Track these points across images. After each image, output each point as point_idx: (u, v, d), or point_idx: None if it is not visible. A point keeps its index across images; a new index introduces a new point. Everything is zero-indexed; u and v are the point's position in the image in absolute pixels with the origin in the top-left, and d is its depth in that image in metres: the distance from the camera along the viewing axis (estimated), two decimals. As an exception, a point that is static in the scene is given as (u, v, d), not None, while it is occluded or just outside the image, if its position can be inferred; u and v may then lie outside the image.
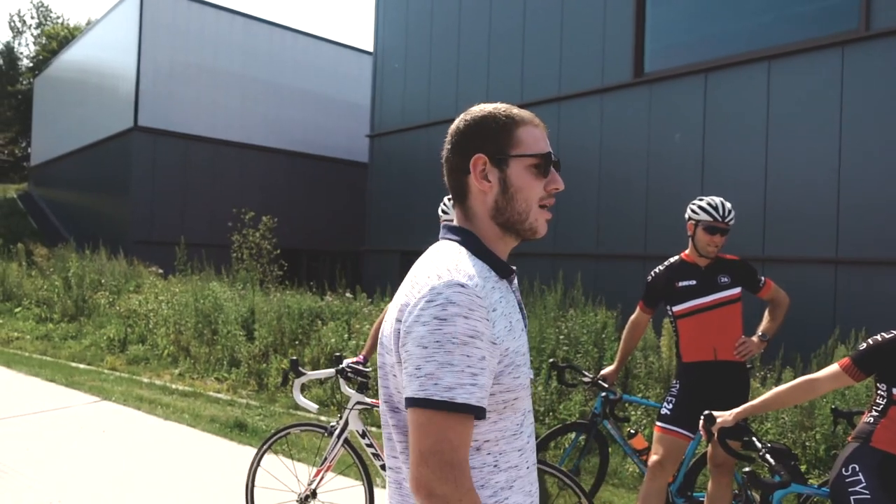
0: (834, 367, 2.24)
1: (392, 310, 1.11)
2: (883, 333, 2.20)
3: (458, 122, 1.21)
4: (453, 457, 0.96)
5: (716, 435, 2.32)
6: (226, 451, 4.49)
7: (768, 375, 5.24)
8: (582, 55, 9.12)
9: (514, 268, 1.26)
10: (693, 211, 3.09)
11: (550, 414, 5.38)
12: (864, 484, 2.09)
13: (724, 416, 2.32)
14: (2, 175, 37.31)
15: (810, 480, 4.18)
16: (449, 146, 1.20)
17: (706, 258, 3.11)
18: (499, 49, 10.24)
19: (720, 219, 3.02)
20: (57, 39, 40.01)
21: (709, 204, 3.06)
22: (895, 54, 6.18)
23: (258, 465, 2.93)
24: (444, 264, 1.07)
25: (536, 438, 4.16)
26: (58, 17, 46.63)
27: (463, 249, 1.14)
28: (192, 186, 16.47)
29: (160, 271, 11.84)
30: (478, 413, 0.99)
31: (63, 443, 4.48)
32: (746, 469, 2.01)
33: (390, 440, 1.13)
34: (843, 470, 2.18)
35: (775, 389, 2.29)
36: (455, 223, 1.22)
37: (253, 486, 2.93)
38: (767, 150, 7.12)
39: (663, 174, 8.09)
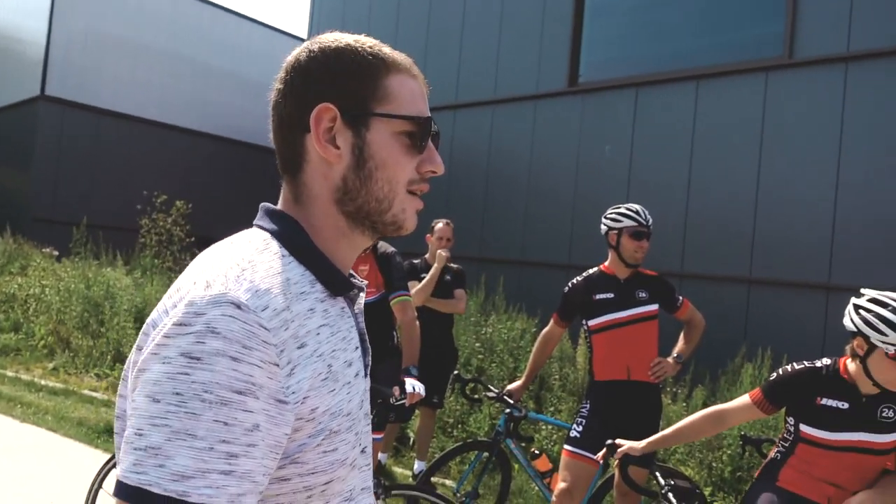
0: (744, 399, 2.07)
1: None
2: (794, 363, 2.03)
3: (298, 52, 0.81)
4: None
5: (618, 463, 2.12)
6: (88, 460, 3.95)
7: (679, 392, 5.17)
8: (519, 60, 8.98)
9: (360, 282, 0.87)
10: (613, 219, 2.92)
11: (459, 426, 5.11)
12: (772, 529, 1.90)
13: (631, 446, 2.10)
14: None
15: (715, 503, 4.10)
16: (280, 86, 0.81)
17: (631, 268, 2.93)
18: (436, 48, 9.97)
19: (644, 223, 2.87)
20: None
21: (628, 209, 2.90)
22: (816, 83, 6.32)
23: (100, 486, 2.47)
24: (224, 265, 0.69)
25: (440, 453, 3.87)
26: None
27: (273, 245, 0.75)
28: (102, 164, 15.35)
29: (55, 253, 10.87)
30: None
31: None
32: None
33: None
34: (752, 510, 2.00)
35: (684, 421, 2.12)
36: (279, 205, 0.83)
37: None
38: (691, 166, 7.16)
39: (591, 185, 8.03)
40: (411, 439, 4.89)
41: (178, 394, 0.60)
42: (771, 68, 6.67)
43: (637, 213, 2.89)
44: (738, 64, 6.95)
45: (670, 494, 1.89)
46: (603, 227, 2.98)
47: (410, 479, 4.14)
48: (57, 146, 14.93)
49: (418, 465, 4.21)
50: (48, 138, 14.87)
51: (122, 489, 0.59)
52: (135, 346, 0.71)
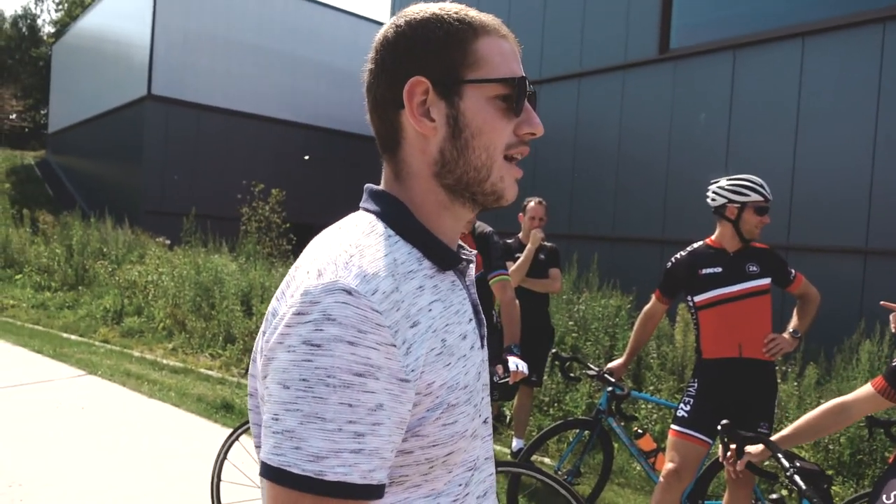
0: (867, 388, 1.92)
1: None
2: None
3: (386, 29, 0.80)
4: None
5: (729, 441, 2.02)
6: (208, 433, 4.26)
7: (789, 370, 4.90)
8: (605, 29, 8.67)
9: (469, 253, 0.87)
10: (737, 192, 2.74)
11: (555, 405, 5.09)
12: (910, 515, 1.77)
13: (748, 451, 2.00)
14: (22, 142, 37.49)
15: (834, 487, 3.88)
16: (372, 66, 0.80)
17: (744, 242, 2.79)
18: (518, 21, 9.80)
19: (769, 197, 2.74)
20: (82, 5, 39.88)
21: (752, 182, 2.74)
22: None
23: (225, 457, 2.66)
24: (334, 253, 0.71)
25: (538, 432, 3.87)
26: (79, -16, 46.42)
27: (379, 226, 0.76)
28: (203, 157, 16.28)
29: (167, 242, 11.68)
30: (363, 494, 0.64)
31: (36, 420, 4.26)
32: (773, 496, 1.71)
33: None
34: (885, 497, 1.87)
35: (803, 418, 1.98)
36: (381, 185, 0.84)
37: (219, 480, 2.66)
38: (797, 132, 6.69)
39: (685, 156, 7.69)
40: (508, 417, 4.93)
41: (304, 380, 0.63)
42: (889, 19, 6.08)
43: (762, 186, 2.73)
44: (851, 16, 6.38)
45: (797, 477, 1.79)
46: (719, 200, 2.80)
47: (509, 457, 4.18)
48: (163, 142, 15.95)
49: (517, 443, 4.24)
50: (155, 135, 15.89)
51: (266, 470, 0.64)
52: (260, 332, 0.75)
